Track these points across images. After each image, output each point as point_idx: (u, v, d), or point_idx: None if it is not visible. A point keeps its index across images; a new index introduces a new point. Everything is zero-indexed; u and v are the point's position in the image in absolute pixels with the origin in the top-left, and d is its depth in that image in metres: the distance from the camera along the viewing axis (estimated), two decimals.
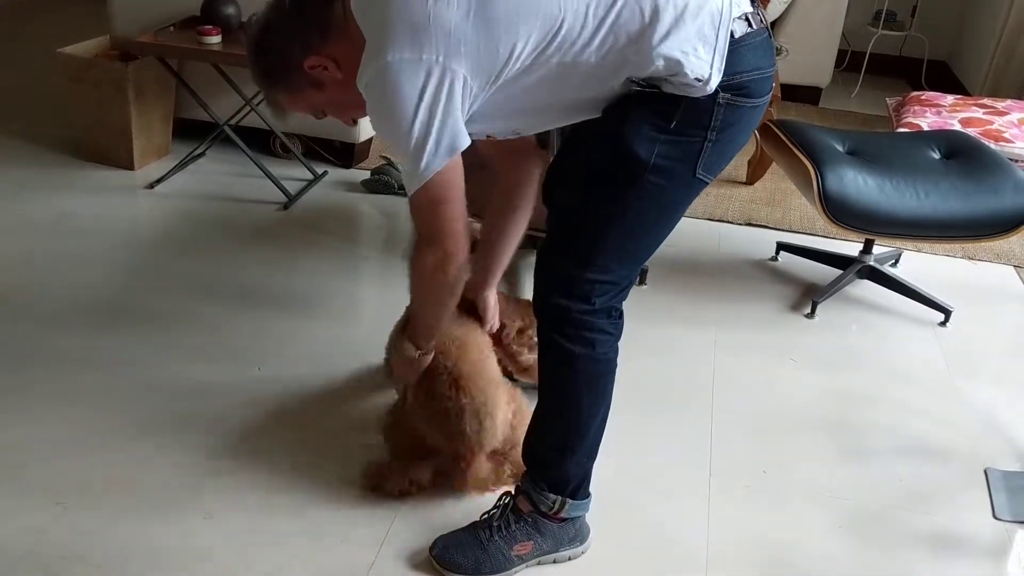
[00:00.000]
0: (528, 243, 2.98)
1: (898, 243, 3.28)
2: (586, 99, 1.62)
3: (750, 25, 1.60)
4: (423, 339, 1.89)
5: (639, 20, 1.52)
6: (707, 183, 1.68)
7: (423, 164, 1.52)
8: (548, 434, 1.84)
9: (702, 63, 1.54)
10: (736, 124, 1.62)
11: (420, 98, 1.48)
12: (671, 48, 1.52)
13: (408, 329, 1.91)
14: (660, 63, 1.53)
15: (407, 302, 2.84)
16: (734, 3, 1.58)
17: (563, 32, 1.51)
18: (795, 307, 2.99)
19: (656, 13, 1.51)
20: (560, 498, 1.84)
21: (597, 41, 1.53)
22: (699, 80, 1.54)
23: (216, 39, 3.29)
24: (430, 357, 1.94)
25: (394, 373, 2.04)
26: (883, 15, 5.34)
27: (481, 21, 1.48)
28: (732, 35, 1.56)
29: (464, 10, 1.48)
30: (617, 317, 1.76)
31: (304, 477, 2.08)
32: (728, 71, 1.56)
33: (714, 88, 1.56)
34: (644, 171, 1.60)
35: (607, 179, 1.64)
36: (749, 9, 1.61)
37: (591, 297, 1.69)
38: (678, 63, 1.53)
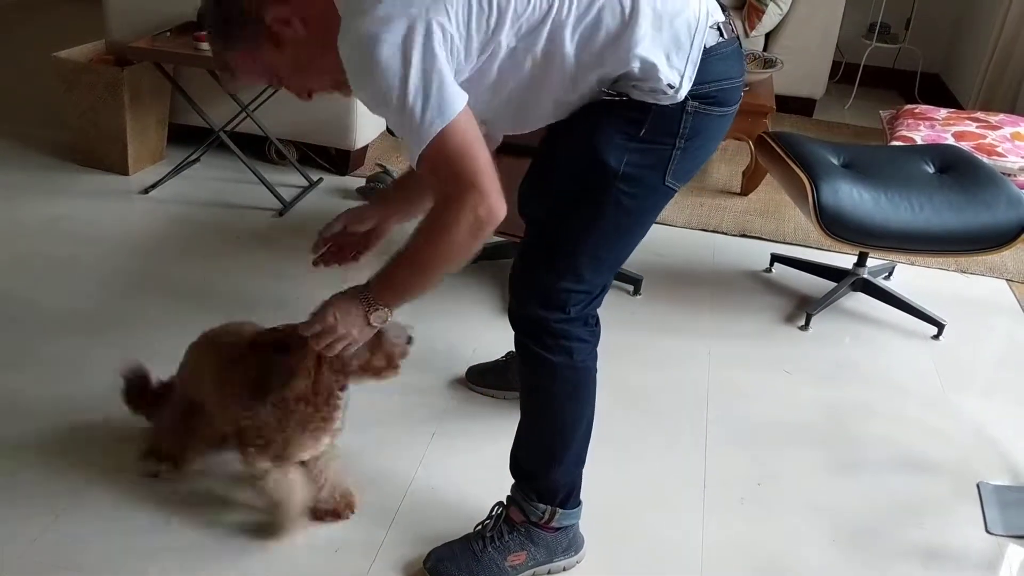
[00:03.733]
0: (502, 251, 2.97)
1: (892, 256, 3.29)
2: (558, 101, 1.61)
3: (721, 35, 1.62)
4: (400, 301, 1.63)
5: (619, 18, 1.52)
6: (676, 191, 1.70)
7: (426, 121, 1.43)
8: (532, 444, 1.85)
9: (674, 71, 1.55)
10: (705, 132, 1.64)
11: (410, 51, 1.41)
12: (647, 51, 1.53)
13: (378, 289, 1.62)
14: (636, 65, 1.54)
15: (399, 310, 2.84)
16: (709, 12, 1.60)
17: (551, 17, 1.50)
18: (789, 319, 2.99)
19: (635, 13, 1.52)
20: (550, 507, 1.84)
21: (578, 33, 1.53)
22: (670, 87, 1.56)
23: None
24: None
25: (325, 341, 1.67)
26: (877, 27, 5.38)
27: None
28: (704, 45, 1.58)
29: None
30: (594, 324, 1.78)
31: None
32: (698, 80, 1.58)
33: (683, 96, 1.57)
34: (614, 179, 1.61)
35: (578, 188, 1.64)
36: (721, 19, 1.63)
37: (566, 307, 1.70)
38: (653, 67, 1.54)
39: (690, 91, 1.57)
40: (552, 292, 1.69)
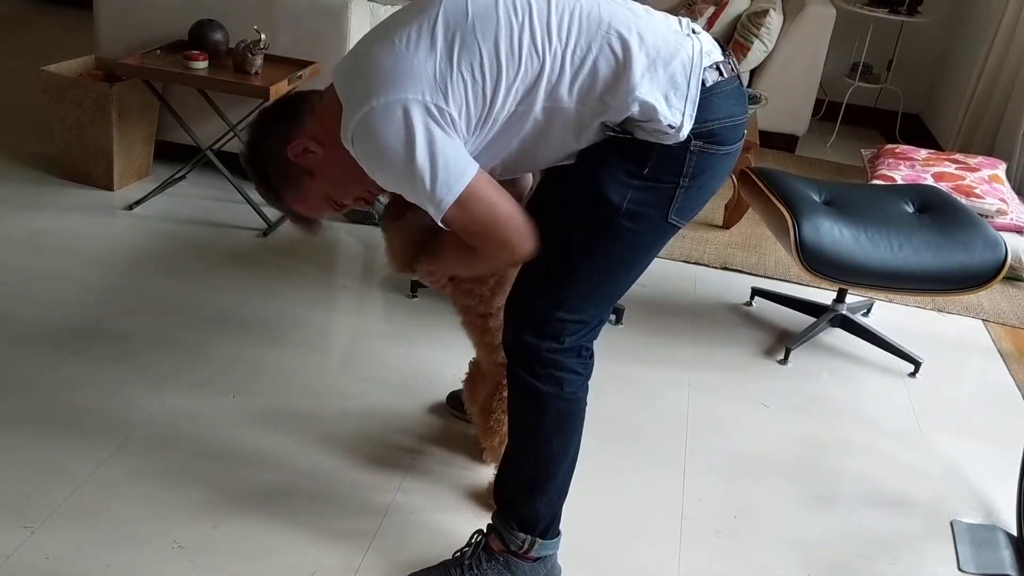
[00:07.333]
0: None
1: (871, 293, 3.33)
2: (563, 150, 1.65)
3: (721, 74, 1.64)
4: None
5: (613, 65, 1.55)
6: (679, 228, 1.71)
7: (437, 197, 1.52)
8: (518, 472, 1.85)
9: (675, 111, 1.57)
10: (708, 171, 1.66)
11: (412, 134, 1.49)
12: (645, 94, 1.55)
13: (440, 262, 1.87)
14: (636, 108, 1.56)
15: (381, 333, 2.84)
16: (705, 52, 1.62)
17: (544, 77, 1.54)
18: (768, 352, 3.02)
19: (628, 57, 1.55)
20: (530, 537, 1.84)
21: (576, 87, 1.56)
22: (672, 127, 1.58)
23: (203, 64, 3.30)
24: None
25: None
26: (860, 67, 5.46)
27: (466, 66, 1.51)
28: (704, 84, 1.60)
29: (446, 57, 1.51)
30: (588, 357, 1.78)
31: (274, 508, 2.07)
32: (700, 119, 1.60)
33: (686, 135, 1.59)
34: (617, 215, 1.63)
35: (581, 222, 1.66)
36: (720, 58, 1.65)
37: (560, 336, 1.71)
38: (653, 108, 1.56)
39: (693, 130, 1.59)
40: (547, 320, 1.70)
